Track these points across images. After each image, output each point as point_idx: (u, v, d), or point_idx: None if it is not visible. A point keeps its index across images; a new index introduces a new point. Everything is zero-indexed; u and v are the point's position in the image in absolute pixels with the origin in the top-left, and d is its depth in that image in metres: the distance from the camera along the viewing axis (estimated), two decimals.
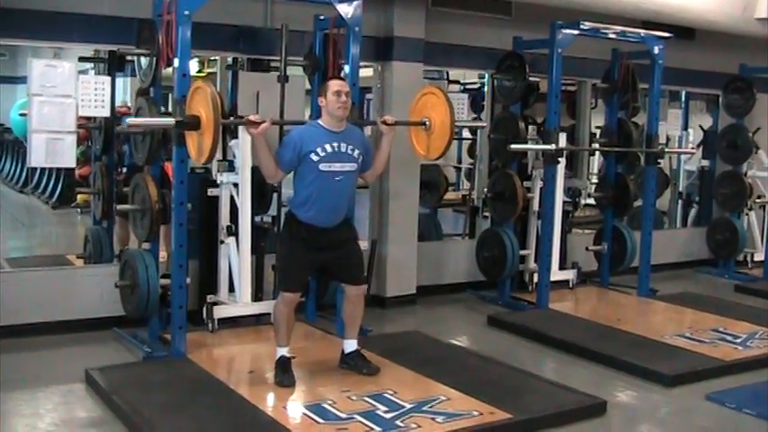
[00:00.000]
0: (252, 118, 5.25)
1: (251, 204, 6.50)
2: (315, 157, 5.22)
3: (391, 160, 7.53)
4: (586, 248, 8.91)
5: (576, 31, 7.58)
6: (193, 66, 8.03)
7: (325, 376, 5.50)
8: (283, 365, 5.34)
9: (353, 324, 5.63)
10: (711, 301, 8.35)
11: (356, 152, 5.36)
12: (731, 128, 10.10)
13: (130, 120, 5.45)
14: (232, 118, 6.62)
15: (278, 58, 6.81)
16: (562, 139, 7.78)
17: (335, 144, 5.27)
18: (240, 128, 6.42)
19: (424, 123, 5.88)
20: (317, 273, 5.89)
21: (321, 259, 5.43)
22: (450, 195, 10.35)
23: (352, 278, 5.57)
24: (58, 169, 10.90)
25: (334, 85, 5.33)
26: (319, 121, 5.40)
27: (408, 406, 4.96)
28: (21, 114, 7.11)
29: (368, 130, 7.23)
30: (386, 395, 5.13)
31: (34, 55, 7.02)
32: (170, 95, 5.97)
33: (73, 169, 8.09)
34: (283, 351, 5.38)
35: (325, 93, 5.31)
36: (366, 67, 7.46)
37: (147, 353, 5.93)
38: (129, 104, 8.06)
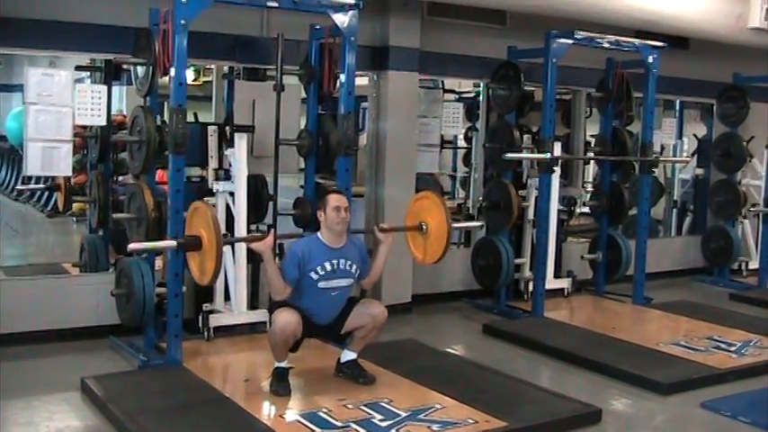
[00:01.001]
0: (256, 236, 5.29)
1: (247, 213, 6.51)
2: (315, 276, 5.27)
3: (387, 168, 7.60)
4: (581, 257, 8.93)
5: (570, 41, 7.61)
6: (190, 75, 8.05)
7: (320, 385, 5.50)
8: (280, 375, 5.32)
9: (363, 341, 5.58)
10: (706, 310, 8.36)
11: (354, 267, 5.41)
12: (725, 137, 10.13)
13: (131, 245, 5.46)
14: (228, 126, 6.63)
15: (274, 67, 6.82)
16: (557, 148, 7.82)
17: (335, 261, 5.32)
18: (236, 135, 6.45)
19: (421, 227, 5.87)
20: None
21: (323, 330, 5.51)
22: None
23: (369, 303, 5.60)
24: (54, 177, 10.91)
25: (333, 200, 5.32)
26: (319, 236, 5.39)
27: (404, 414, 4.97)
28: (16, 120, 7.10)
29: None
30: (381, 403, 5.13)
31: (30, 63, 7.02)
32: (166, 104, 5.98)
33: (69, 178, 8.06)
34: (281, 363, 5.35)
35: (324, 208, 5.32)
36: (361, 76, 7.48)
37: (143, 361, 5.93)
38: (126, 113, 8.07)
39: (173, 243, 5.40)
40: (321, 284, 5.29)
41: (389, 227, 5.81)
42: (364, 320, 5.47)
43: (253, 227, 6.91)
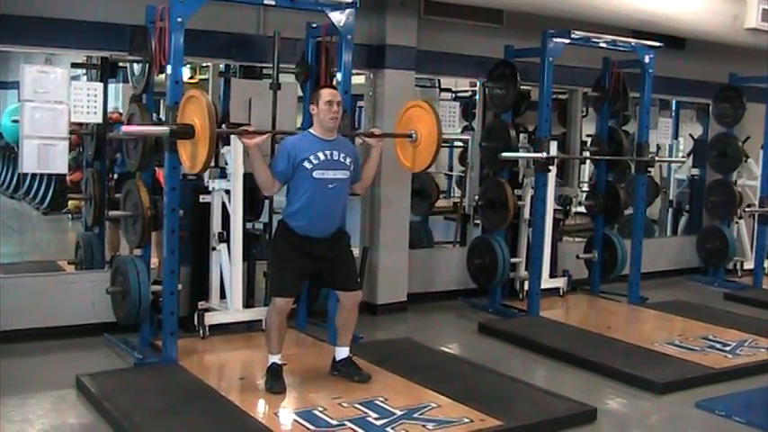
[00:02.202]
0: (247, 128, 5.26)
1: (243, 211, 6.51)
2: (308, 165, 5.23)
3: (383, 168, 7.56)
4: (577, 256, 8.94)
5: (567, 40, 7.62)
6: (186, 72, 8.04)
7: (316, 383, 5.51)
8: (274, 372, 5.34)
9: (347, 331, 5.63)
10: (701, 310, 8.37)
11: (348, 160, 5.38)
12: (721, 137, 10.15)
13: (125, 127, 5.45)
14: (224, 125, 6.63)
15: (270, 65, 6.83)
16: (553, 148, 7.82)
17: (328, 152, 5.29)
18: (232, 135, 6.44)
19: (411, 135, 5.90)
20: (311, 281, 5.88)
21: (315, 268, 5.43)
22: (441, 203, 10.35)
23: (348, 286, 5.57)
24: (50, 175, 10.89)
25: (326, 94, 5.34)
26: (311, 131, 5.41)
27: (399, 413, 4.97)
28: (13, 121, 7.09)
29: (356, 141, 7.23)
30: (377, 402, 5.14)
31: (26, 61, 7.00)
32: (162, 102, 5.97)
33: (64, 175, 8.04)
34: (275, 358, 5.37)
35: (317, 101, 5.32)
36: (358, 74, 7.48)
37: (138, 359, 5.92)
38: (122, 111, 8.06)
39: (166, 129, 5.36)
40: (316, 174, 5.24)
41: (380, 132, 5.83)
42: (340, 313, 5.62)
43: (249, 225, 6.91)
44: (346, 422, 4.80)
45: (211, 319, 6.46)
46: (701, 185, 10.67)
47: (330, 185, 5.30)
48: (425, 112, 5.90)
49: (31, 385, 5.43)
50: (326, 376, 5.62)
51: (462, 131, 10.39)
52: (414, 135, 5.90)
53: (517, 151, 8.04)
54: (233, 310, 6.52)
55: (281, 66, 6.79)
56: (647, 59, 8.24)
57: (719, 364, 6.38)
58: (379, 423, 4.81)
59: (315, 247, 5.33)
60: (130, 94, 6.43)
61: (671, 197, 11.22)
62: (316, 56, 6.88)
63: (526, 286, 8.04)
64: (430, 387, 5.46)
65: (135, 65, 6.25)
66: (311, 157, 5.24)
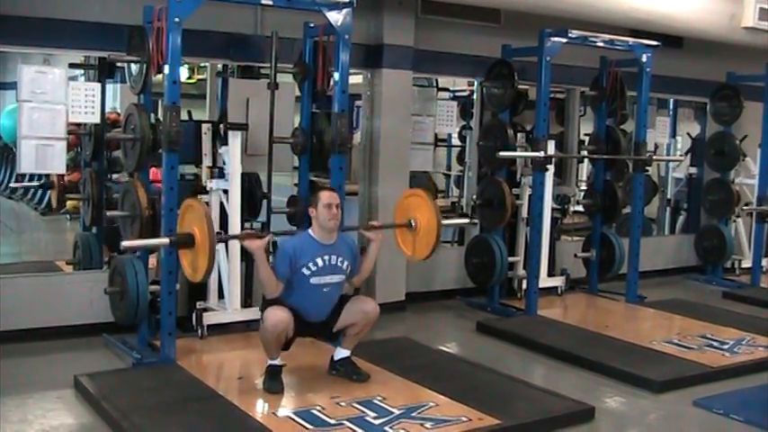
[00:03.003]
0: (249, 232, 5.31)
1: (241, 211, 6.51)
2: (307, 272, 5.29)
3: (380, 166, 7.61)
4: (575, 255, 8.94)
5: (564, 39, 7.62)
6: (183, 72, 8.04)
7: (314, 382, 5.51)
8: (273, 372, 5.33)
9: (356, 338, 5.60)
10: (699, 308, 8.38)
11: (345, 263, 5.43)
12: (719, 135, 10.16)
13: (125, 243, 5.46)
14: (222, 125, 6.63)
15: (268, 65, 6.83)
16: (551, 147, 7.82)
17: (326, 257, 5.34)
18: (230, 133, 6.44)
19: (410, 224, 5.88)
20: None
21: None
22: (439, 202, 10.32)
23: (361, 300, 5.61)
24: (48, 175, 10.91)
25: (325, 197, 5.35)
26: (310, 232, 5.42)
27: (397, 412, 4.98)
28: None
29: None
30: (375, 401, 5.14)
31: (24, 61, 7.01)
32: (160, 102, 5.98)
33: (62, 175, 8.05)
34: (274, 361, 5.37)
35: (315, 204, 5.34)
36: (356, 74, 7.48)
37: (137, 359, 5.92)
38: (119, 111, 8.06)
39: (165, 240, 5.39)
40: (313, 280, 5.30)
41: (379, 224, 5.85)
42: (356, 318, 5.48)
43: (246, 225, 6.91)
44: (345, 421, 4.80)
45: (209, 318, 6.47)
46: (699, 184, 10.67)
47: (325, 289, 5.38)
48: (423, 200, 5.87)
49: (30, 385, 5.43)
50: (325, 376, 5.62)
51: (460, 131, 10.42)
52: (413, 224, 5.87)
53: (515, 150, 8.05)
54: (231, 309, 6.53)
55: (278, 65, 6.80)
56: (644, 58, 8.25)
57: (717, 362, 6.39)
58: (377, 422, 4.82)
59: (310, 324, 5.44)
60: (128, 94, 6.44)
61: (669, 196, 11.22)
62: (313, 55, 6.88)
63: (524, 285, 8.05)
64: (428, 386, 5.46)
65: (133, 65, 6.25)
66: (310, 264, 5.28)
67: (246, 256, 6.69)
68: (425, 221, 5.81)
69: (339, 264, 5.39)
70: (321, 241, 5.35)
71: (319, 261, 5.31)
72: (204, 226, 5.11)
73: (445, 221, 6.19)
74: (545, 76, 7.63)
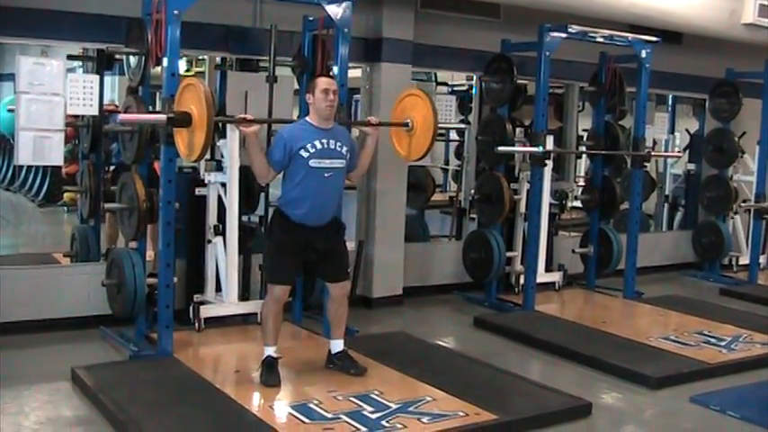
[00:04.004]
0: (245, 116, 5.28)
1: (238, 204, 6.50)
2: (305, 154, 5.24)
3: (378, 161, 7.59)
4: (573, 251, 8.95)
5: (563, 35, 7.61)
6: (182, 65, 8.03)
7: (311, 376, 5.51)
8: (270, 365, 5.34)
9: (339, 323, 5.63)
10: (697, 304, 8.38)
11: (344, 149, 5.40)
12: (717, 132, 10.15)
13: (122, 116, 5.44)
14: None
15: (267, 58, 6.82)
16: (549, 142, 7.82)
17: (324, 141, 5.31)
18: (228, 127, 6.42)
19: (407, 124, 5.91)
20: (303, 270, 5.89)
21: (308, 255, 5.44)
22: (437, 197, 10.38)
23: (337, 277, 5.58)
24: (45, 167, 10.89)
25: (322, 83, 5.34)
26: (307, 119, 5.42)
27: (394, 406, 4.98)
28: (9, 110, 7.07)
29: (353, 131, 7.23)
30: (372, 395, 5.14)
31: (22, 52, 6.97)
32: (158, 94, 5.96)
33: (60, 167, 8.03)
34: (270, 351, 5.37)
35: (313, 90, 5.33)
36: (355, 68, 7.47)
37: (134, 352, 5.92)
38: (117, 103, 8.04)
39: (162, 117, 5.34)
40: (312, 163, 5.26)
41: (377, 121, 5.83)
42: (330, 307, 5.65)
43: (244, 218, 6.90)
44: (341, 415, 4.80)
45: (207, 311, 6.45)
46: (697, 180, 10.67)
47: (326, 174, 5.31)
48: (420, 99, 5.90)
49: (27, 377, 5.43)
50: (322, 369, 5.62)
51: None
52: (409, 123, 5.91)
53: (513, 145, 8.04)
54: (228, 302, 6.51)
55: (277, 59, 6.79)
56: (643, 54, 8.24)
57: (714, 359, 6.39)
58: (374, 416, 4.82)
59: (310, 236, 5.34)
60: (126, 86, 6.42)
61: (667, 192, 11.22)
62: (312, 49, 6.87)
63: (522, 280, 8.04)
64: (425, 381, 5.46)
65: (131, 57, 6.24)
66: (308, 146, 5.25)
67: (244, 248, 6.70)
68: (422, 119, 5.84)
69: (338, 148, 5.36)
70: (319, 126, 5.34)
71: (317, 143, 5.27)
72: (203, 105, 5.08)
73: (442, 124, 6.17)
74: (544, 72, 7.62)
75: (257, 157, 5.26)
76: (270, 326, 5.37)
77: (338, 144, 5.36)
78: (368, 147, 5.66)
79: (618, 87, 8.67)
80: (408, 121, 5.91)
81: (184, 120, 5.24)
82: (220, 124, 6.65)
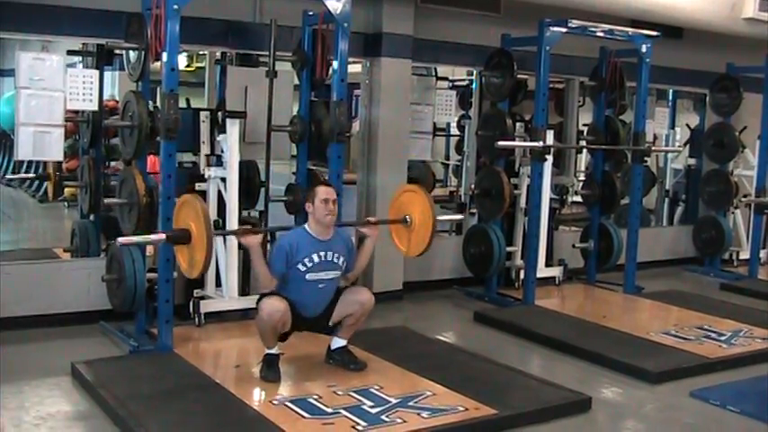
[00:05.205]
0: (246, 228, 5.33)
1: (238, 199, 6.50)
2: (302, 268, 5.30)
3: (379, 156, 7.60)
4: (573, 246, 8.95)
5: (564, 29, 7.60)
6: (182, 60, 8.02)
7: (311, 371, 5.52)
8: (270, 361, 5.33)
9: (353, 328, 5.60)
10: (697, 299, 8.38)
11: (341, 260, 5.44)
12: (718, 126, 10.15)
13: (120, 239, 5.40)
14: (220, 113, 6.61)
15: (266, 53, 6.82)
16: (549, 137, 7.82)
17: (323, 253, 5.34)
18: (228, 121, 6.43)
19: (405, 220, 5.87)
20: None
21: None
22: (437, 191, 10.35)
23: (356, 290, 5.61)
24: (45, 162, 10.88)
25: (321, 192, 5.34)
26: (307, 228, 5.42)
27: (394, 401, 4.98)
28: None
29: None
30: (372, 390, 5.15)
31: (22, 48, 6.99)
32: (158, 89, 5.97)
33: (60, 162, 8.02)
34: (271, 350, 5.36)
35: (312, 199, 5.34)
36: (354, 62, 7.47)
37: (134, 347, 5.93)
38: (117, 98, 8.03)
39: (161, 236, 5.35)
40: (309, 276, 5.31)
41: (375, 220, 5.87)
42: (352, 308, 5.48)
43: (244, 213, 6.90)
44: (341, 410, 4.81)
45: (207, 306, 6.47)
46: (698, 175, 10.65)
47: (320, 285, 5.39)
48: (417, 195, 5.86)
49: (27, 372, 5.44)
50: (322, 364, 5.62)
51: (459, 120, 10.41)
52: (408, 219, 5.86)
53: (514, 140, 8.04)
54: (228, 297, 6.52)
55: (277, 54, 6.79)
56: (644, 49, 8.23)
57: (714, 353, 6.39)
58: (374, 411, 4.82)
59: (306, 319, 5.46)
60: (126, 81, 6.42)
61: (667, 187, 11.21)
62: (312, 44, 6.86)
63: (522, 275, 8.06)
64: (425, 375, 5.46)
65: (131, 52, 6.24)
66: (306, 260, 5.29)
67: None
68: (419, 215, 5.80)
69: (335, 260, 5.40)
70: (317, 237, 5.35)
71: (315, 257, 5.31)
72: (201, 222, 5.03)
73: (440, 218, 6.18)
74: (544, 66, 7.62)
75: (263, 269, 5.27)
76: (268, 335, 5.30)
77: (336, 256, 5.40)
78: (366, 248, 5.67)
79: (618, 82, 8.67)
80: (407, 216, 5.88)
81: (184, 237, 5.18)
82: (220, 120, 6.68)
